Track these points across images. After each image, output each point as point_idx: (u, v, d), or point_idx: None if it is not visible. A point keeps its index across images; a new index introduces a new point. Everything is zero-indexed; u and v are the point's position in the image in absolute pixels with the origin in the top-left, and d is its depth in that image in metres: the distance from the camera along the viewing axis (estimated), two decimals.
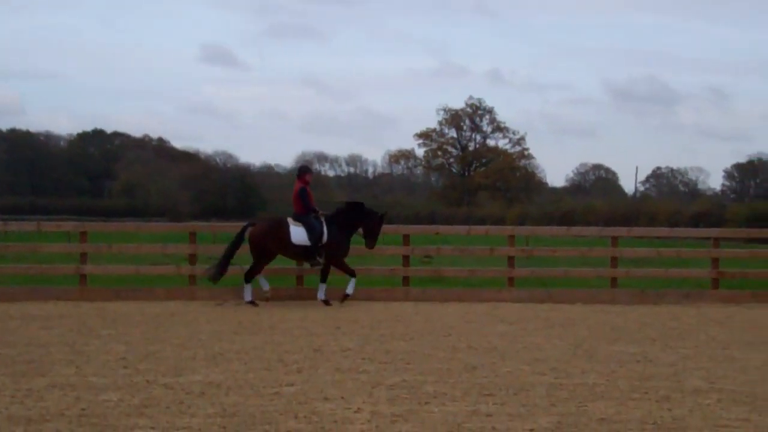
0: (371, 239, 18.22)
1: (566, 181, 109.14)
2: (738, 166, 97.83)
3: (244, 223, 18.61)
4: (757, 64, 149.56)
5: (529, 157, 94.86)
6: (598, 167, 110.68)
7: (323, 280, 18.04)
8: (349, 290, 17.94)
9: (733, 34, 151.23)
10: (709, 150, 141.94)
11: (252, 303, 17.73)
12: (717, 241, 20.07)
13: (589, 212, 71.06)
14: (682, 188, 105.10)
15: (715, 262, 19.73)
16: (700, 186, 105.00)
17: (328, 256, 17.96)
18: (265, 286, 18.07)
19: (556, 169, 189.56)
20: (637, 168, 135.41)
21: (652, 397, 9.42)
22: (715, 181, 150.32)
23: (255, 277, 17.98)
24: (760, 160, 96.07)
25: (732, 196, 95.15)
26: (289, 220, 17.98)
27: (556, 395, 9.43)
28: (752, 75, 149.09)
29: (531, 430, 8.03)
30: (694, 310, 17.89)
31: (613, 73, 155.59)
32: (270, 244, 17.89)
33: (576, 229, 22.93)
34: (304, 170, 18.64)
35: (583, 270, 20.85)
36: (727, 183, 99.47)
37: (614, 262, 19.57)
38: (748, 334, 14.42)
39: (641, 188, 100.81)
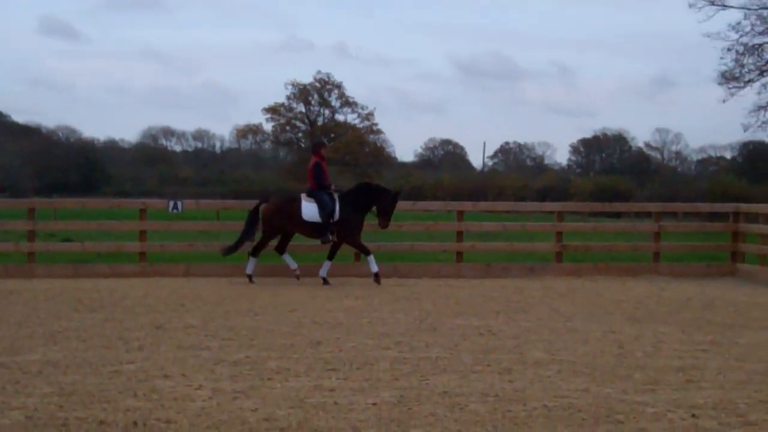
0: (385, 218, 17.61)
1: (415, 156, 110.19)
2: (583, 141, 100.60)
3: (257, 201, 18.27)
4: (600, 41, 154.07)
5: (378, 132, 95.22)
6: (446, 142, 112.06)
7: (330, 257, 17.68)
8: (374, 268, 17.47)
9: (577, 10, 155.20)
10: (555, 125, 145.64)
11: (249, 278, 17.67)
12: (561, 215, 20.53)
13: (437, 187, 72.03)
14: (529, 163, 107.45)
15: (559, 235, 20.20)
16: (547, 161, 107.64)
17: (340, 233, 17.53)
18: (292, 264, 17.81)
19: (405, 144, 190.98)
20: (484, 143, 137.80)
21: (494, 369, 9.54)
22: (561, 156, 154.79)
23: (260, 252, 17.83)
24: (605, 135, 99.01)
25: (578, 170, 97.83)
26: (303, 196, 17.58)
27: (399, 369, 9.45)
28: (596, 52, 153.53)
29: (374, 404, 8.01)
30: (539, 283, 18.28)
31: (459, 48, 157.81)
32: (280, 220, 17.57)
33: (422, 204, 23.04)
34: (318, 144, 17.99)
35: (429, 244, 21.03)
36: (573, 158, 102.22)
37: (460, 236, 19.81)
38: (590, 306, 14.80)
39: (489, 163, 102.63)
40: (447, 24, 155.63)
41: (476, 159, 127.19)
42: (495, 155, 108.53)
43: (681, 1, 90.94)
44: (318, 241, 17.83)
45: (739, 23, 49.84)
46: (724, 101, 50.30)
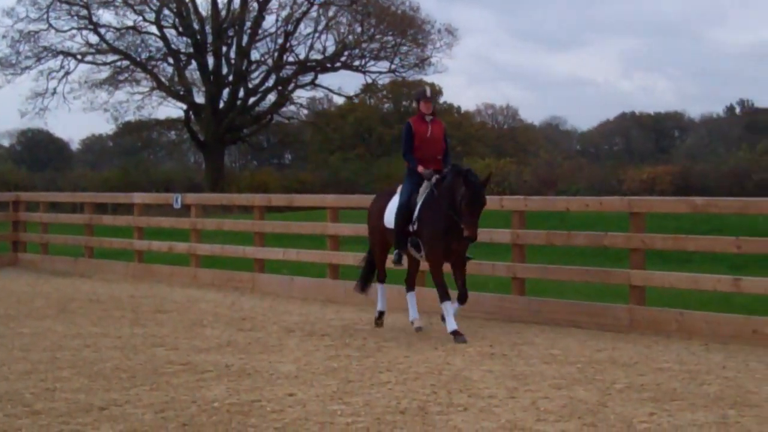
0: (469, 220, 10.82)
1: None
2: None
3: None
4: None
5: None
6: None
7: (440, 293, 11.16)
8: (450, 323, 11.04)
9: None
10: None
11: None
12: None
13: None
14: None
15: None
16: None
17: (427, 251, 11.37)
18: (413, 313, 11.85)
19: None
20: None
21: None
22: None
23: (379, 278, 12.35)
24: None
25: None
26: (400, 187, 11.84)
27: None
28: None
29: None
30: None
31: None
32: (372, 227, 12.33)
33: None
34: (418, 96, 12.07)
35: None
36: None
37: None
38: None
39: None
40: None
41: None
42: None
43: None
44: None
45: (13, 9, 49.68)
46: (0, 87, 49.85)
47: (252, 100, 53.42)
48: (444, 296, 11.06)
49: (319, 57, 52.60)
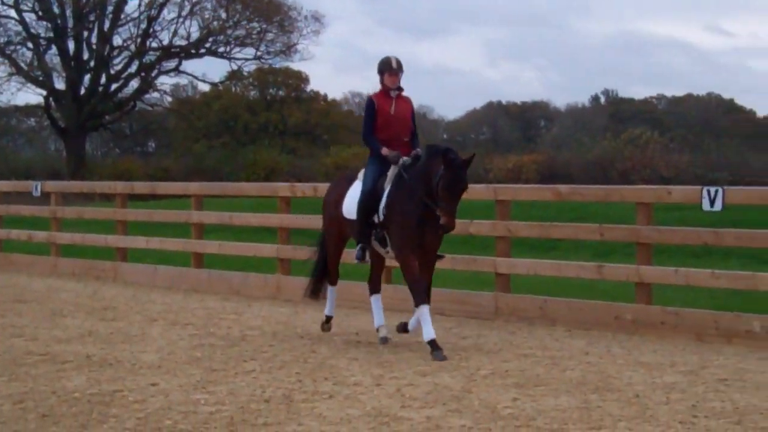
0: (446, 206, 9.31)
1: None
2: None
3: None
4: None
5: None
6: None
7: (415, 298, 9.60)
8: (427, 332, 9.41)
9: None
10: None
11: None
12: None
13: None
14: None
15: None
16: None
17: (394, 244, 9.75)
18: (379, 319, 10.33)
19: None
20: None
21: None
22: None
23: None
24: None
25: None
26: (361, 172, 10.24)
27: None
28: None
29: None
30: None
31: None
32: (328, 217, 10.63)
33: None
34: (381, 66, 10.09)
35: None
36: None
37: None
38: None
39: None
40: None
41: None
42: None
43: None
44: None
45: None
46: None
47: (114, 86, 52.20)
48: (420, 298, 9.40)
49: (183, 43, 51.82)
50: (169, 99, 58.63)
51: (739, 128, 63.66)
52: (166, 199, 28.37)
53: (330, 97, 65.03)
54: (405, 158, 9.72)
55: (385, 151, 9.73)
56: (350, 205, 9.99)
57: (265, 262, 15.03)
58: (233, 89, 62.74)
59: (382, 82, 9.99)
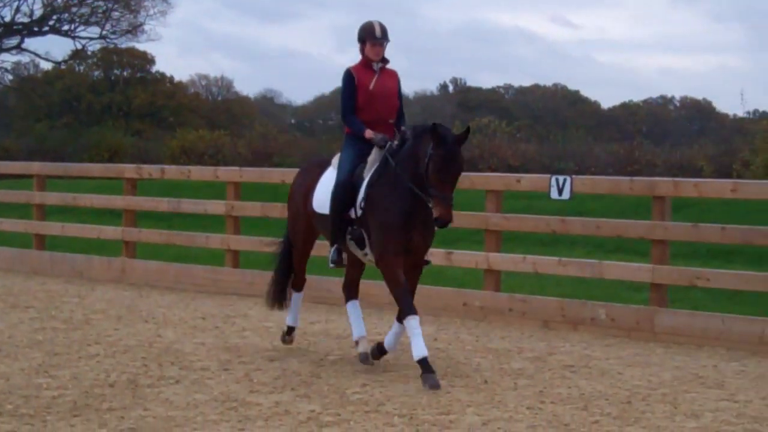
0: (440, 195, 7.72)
1: None
2: None
3: None
4: None
5: None
6: None
7: (400, 312, 8.14)
8: (418, 349, 7.78)
9: None
10: None
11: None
12: None
13: None
14: None
15: None
16: None
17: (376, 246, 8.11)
18: (358, 331, 8.65)
19: None
20: None
21: None
22: None
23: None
24: None
25: None
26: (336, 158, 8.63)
27: None
28: None
29: None
30: None
31: None
32: (294, 212, 9.06)
33: None
34: (362, 34, 8.48)
35: None
36: None
37: None
38: None
39: None
40: None
41: None
42: None
43: None
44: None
45: None
46: None
47: None
48: (407, 309, 7.91)
49: (25, 20, 50.04)
50: (10, 77, 56.65)
51: (584, 119, 65.44)
52: (6, 179, 27.38)
53: (176, 79, 63.89)
54: (392, 142, 8.20)
55: (369, 133, 8.22)
56: (322, 196, 8.45)
57: (109, 245, 14.62)
58: (77, 69, 60.96)
59: (362, 51, 8.46)
